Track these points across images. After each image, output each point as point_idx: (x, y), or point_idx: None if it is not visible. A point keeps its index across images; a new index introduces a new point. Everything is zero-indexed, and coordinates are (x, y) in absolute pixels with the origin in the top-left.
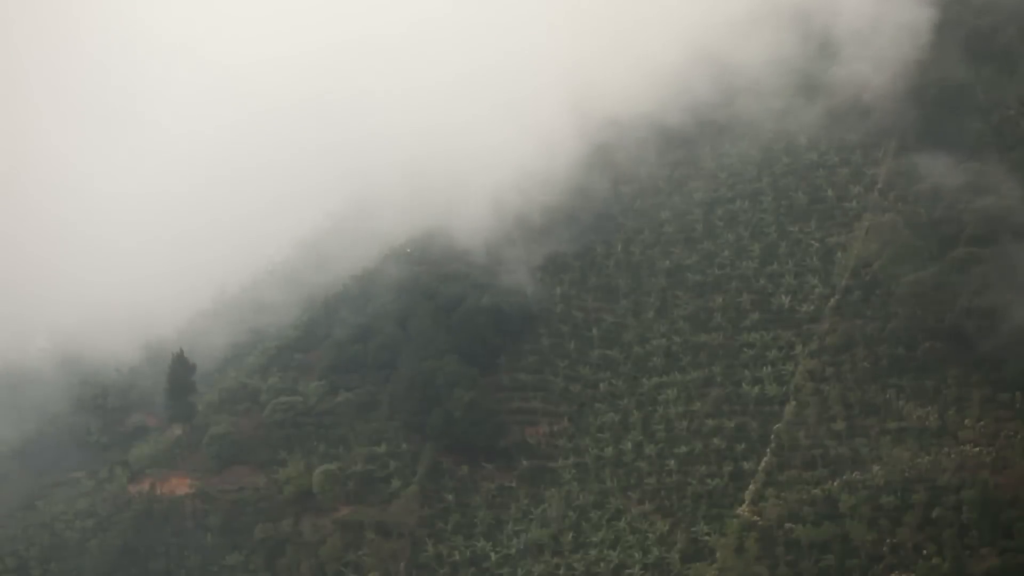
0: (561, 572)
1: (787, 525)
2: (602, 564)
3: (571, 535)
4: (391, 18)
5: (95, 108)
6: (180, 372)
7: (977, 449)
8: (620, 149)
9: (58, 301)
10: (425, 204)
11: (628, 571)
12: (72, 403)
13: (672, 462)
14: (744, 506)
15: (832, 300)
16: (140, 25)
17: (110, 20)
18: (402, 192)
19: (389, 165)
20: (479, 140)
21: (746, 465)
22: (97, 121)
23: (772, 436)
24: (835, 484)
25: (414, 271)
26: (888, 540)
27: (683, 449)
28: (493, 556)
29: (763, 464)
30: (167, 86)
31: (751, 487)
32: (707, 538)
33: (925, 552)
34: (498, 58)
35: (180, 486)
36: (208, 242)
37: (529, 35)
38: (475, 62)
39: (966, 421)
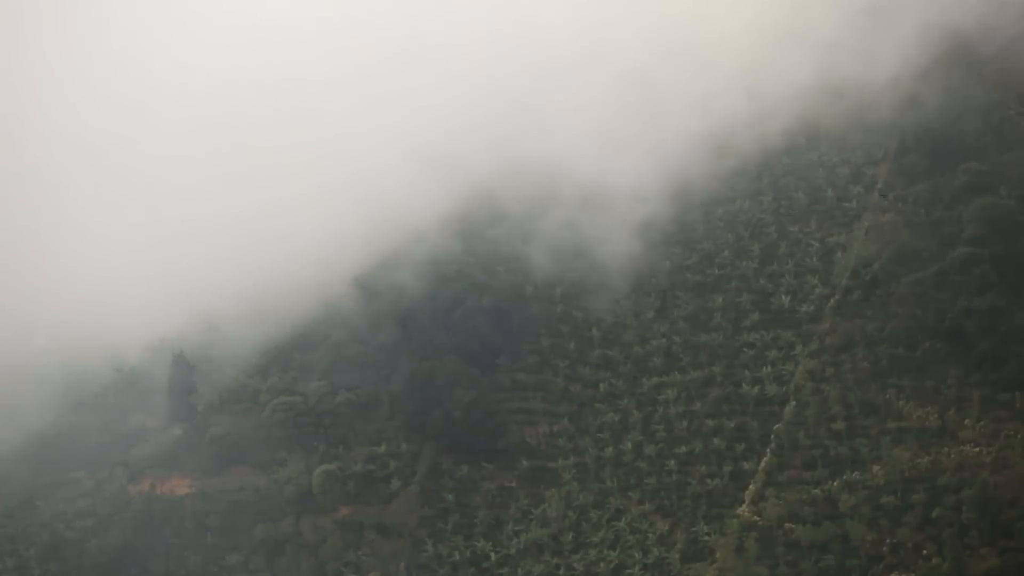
0: (561, 572)
1: (787, 525)
2: (602, 564)
3: (571, 535)
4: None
5: (95, 107)
6: (180, 372)
7: (977, 449)
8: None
9: (58, 300)
10: (427, 204)
11: (628, 571)
12: (72, 403)
13: (672, 462)
14: (744, 506)
15: (832, 300)
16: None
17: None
18: (403, 192)
19: (390, 165)
20: (478, 139)
21: (746, 465)
22: (99, 119)
23: (772, 436)
24: (835, 484)
25: (414, 271)
26: (888, 540)
27: (683, 449)
28: (493, 556)
29: (763, 464)
30: (169, 83)
31: (751, 487)
32: (707, 538)
33: (925, 552)
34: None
35: (180, 486)
36: (209, 242)
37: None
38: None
39: (966, 421)
